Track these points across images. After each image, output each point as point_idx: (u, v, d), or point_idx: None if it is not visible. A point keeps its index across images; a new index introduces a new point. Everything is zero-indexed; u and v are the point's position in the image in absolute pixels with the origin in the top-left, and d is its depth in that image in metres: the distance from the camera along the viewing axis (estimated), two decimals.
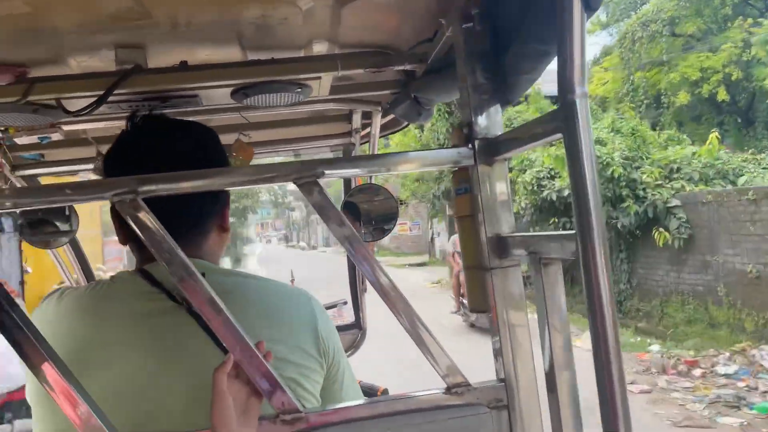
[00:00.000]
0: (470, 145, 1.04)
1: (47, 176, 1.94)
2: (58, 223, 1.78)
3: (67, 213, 1.79)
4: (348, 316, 2.68)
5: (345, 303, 2.85)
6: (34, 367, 0.91)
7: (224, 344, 0.96)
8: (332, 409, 1.02)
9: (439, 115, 14.36)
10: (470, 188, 1.08)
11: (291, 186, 1.03)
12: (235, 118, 1.67)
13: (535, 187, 11.35)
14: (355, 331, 2.53)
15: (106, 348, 1.06)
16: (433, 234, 24.77)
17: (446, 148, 1.08)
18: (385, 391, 1.93)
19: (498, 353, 1.07)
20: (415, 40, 1.28)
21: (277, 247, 50.86)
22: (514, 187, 11.58)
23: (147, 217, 0.95)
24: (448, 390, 1.02)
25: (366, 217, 1.95)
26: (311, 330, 1.13)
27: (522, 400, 1.04)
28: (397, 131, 2.03)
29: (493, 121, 1.06)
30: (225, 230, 1.21)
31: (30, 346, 0.91)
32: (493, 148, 1.04)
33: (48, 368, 0.91)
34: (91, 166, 1.76)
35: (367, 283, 2.67)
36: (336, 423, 1.00)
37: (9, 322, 0.89)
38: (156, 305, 1.08)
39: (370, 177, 2.05)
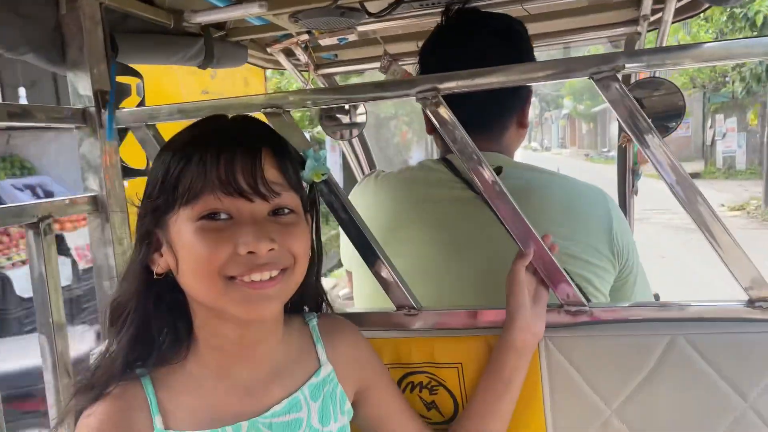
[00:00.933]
0: None
1: (339, 74, 2.16)
2: (350, 118, 1.99)
3: (362, 109, 1.99)
4: None
5: None
6: (353, 238, 1.08)
7: (512, 235, 1.01)
8: (618, 306, 1.02)
9: None
10: None
11: None
12: (515, 11, 1.64)
13: None
14: None
15: (411, 226, 1.19)
16: (714, 135, 18.29)
17: None
18: (656, 296, 1.86)
19: None
20: None
21: None
22: None
23: (446, 112, 1.01)
24: (751, 303, 0.95)
25: (648, 113, 1.82)
26: (606, 230, 1.12)
27: None
28: (691, 17, 1.79)
29: None
30: (524, 126, 1.24)
31: (350, 222, 1.07)
32: None
33: (363, 240, 1.07)
34: (377, 64, 1.90)
35: (637, 185, 2.53)
36: (620, 321, 1.00)
37: (336, 204, 1.06)
38: (455, 193, 1.17)
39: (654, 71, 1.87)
